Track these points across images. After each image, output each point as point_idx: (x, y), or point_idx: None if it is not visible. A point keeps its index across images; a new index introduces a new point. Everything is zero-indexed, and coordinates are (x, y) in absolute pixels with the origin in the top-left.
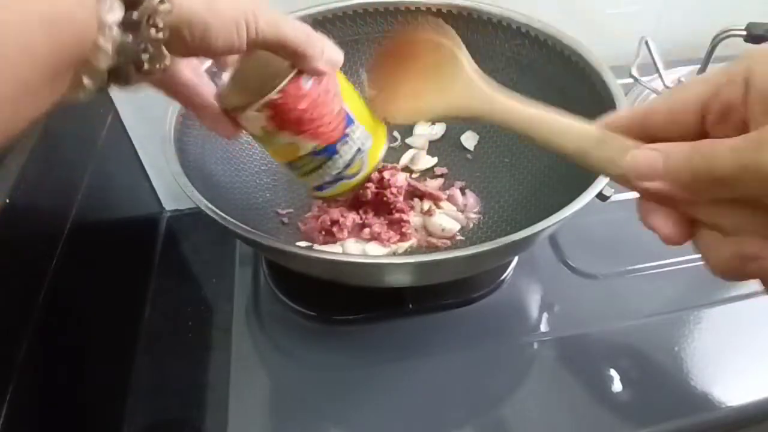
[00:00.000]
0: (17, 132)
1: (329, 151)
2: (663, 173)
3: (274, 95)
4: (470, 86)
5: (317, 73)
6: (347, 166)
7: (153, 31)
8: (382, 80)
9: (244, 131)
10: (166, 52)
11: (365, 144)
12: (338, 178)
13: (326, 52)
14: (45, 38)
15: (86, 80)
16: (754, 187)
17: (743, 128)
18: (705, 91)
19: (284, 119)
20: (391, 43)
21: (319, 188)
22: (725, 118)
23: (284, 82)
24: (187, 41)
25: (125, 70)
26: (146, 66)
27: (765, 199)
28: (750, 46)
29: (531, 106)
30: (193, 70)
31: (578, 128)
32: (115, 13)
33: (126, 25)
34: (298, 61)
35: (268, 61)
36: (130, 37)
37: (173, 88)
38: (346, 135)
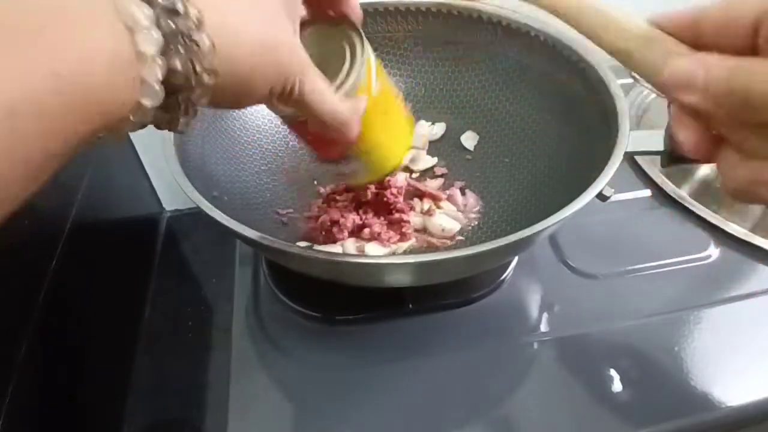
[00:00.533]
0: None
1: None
2: (701, 87)
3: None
4: None
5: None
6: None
7: (206, 77)
8: None
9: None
10: (204, 102)
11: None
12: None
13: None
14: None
15: (147, 104)
16: None
17: None
18: (762, 5)
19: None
20: None
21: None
22: None
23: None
24: (225, 96)
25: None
26: (180, 113)
27: None
28: None
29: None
30: None
31: (627, 25)
32: (154, 70)
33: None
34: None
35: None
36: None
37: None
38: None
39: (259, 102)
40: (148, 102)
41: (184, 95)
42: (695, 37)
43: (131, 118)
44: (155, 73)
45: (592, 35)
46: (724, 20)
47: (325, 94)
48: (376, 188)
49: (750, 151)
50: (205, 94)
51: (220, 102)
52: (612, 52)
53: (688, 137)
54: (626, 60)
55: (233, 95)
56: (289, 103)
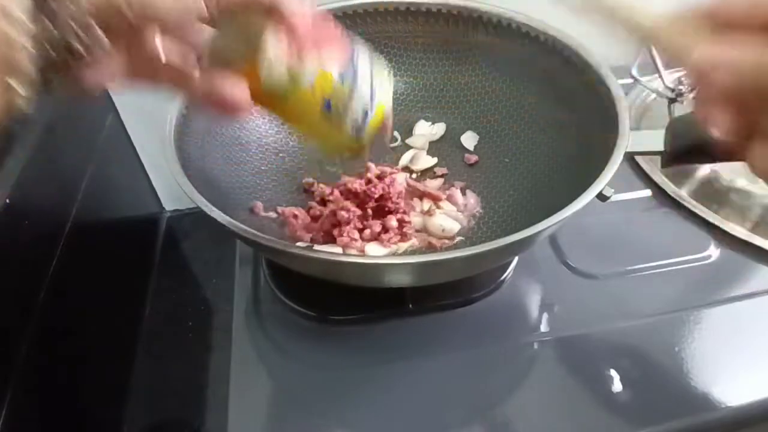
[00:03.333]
0: None
1: (352, 70)
2: (732, 66)
3: None
4: None
5: (290, 25)
6: (372, 77)
7: (72, 8)
8: None
9: (262, 106)
10: (100, 34)
11: (370, 55)
12: (371, 96)
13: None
14: None
15: (16, 85)
16: None
17: None
18: None
19: (303, 41)
20: None
21: (362, 126)
22: None
23: None
24: (126, 15)
25: (61, 64)
26: (81, 50)
27: None
28: None
29: None
30: (180, 52)
31: (652, 11)
32: (22, 2)
33: (39, 10)
34: (272, 16)
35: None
36: (49, 24)
37: (166, 74)
38: (354, 48)
39: (183, 9)
40: (13, 5)
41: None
42: (724, 20)
43: (10, 61)
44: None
45: (623, 15)
46: (753, 2)
47: None
48: (376, 189)
49: None
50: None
51: (131, 19)
52: (642, 32)
53: (717, 117)
54: (657, 40)
55: (135, 7)
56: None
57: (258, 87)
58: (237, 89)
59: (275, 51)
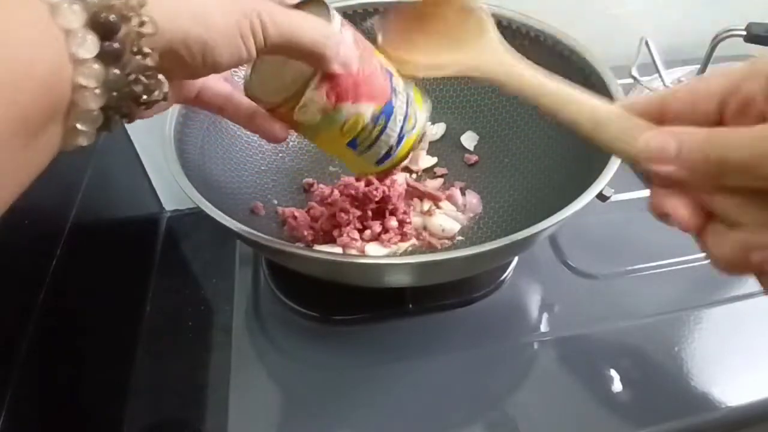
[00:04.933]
0: (8, 202)
1: (387, 110)
2: (675, 157)
3: None
4: (493, 49)
5: (332, 76)
6: (405, 119)
7: (140, 58)
8: (397, 36)
9: (293, 130)
10: (163, 78)
11: (409, 92)
12: (401, 135)
13: (341, 52)
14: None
15: (80, 126)
16: None
17: (761, 122)
18: (726, 85)
19: (342, 87)
20: (411, 5)
21: (383, 159)
22: (744, 112)
23: None
24: (188, 62)
25: (123, 105)
26: (143, 97)
27: None
28: (753, 46)
29: (550, 79)
30: (225, 79)
31: (594, 103)
32: (88, 47)
33: (107, 57)
34: (313, 64)
35: None
36: (116, 71)
37: (210, 102)
38: (394, 88)
39: (238, 56)
40: (82, 52)
41: (128, 59)
42: (662, 119)
43: (79, 81)
44: (87, 48)
45: (561, 113)
46: (691, 102)
47: (301, 17)
48: (376, 188)
49: (738, 218)
50: (151, 58)
51: (191, 65)
52: (581, 129)
53: (673, 206)
54: (597, 135)
55: (200, 52)
56: (269, 42)
57: (292, 121)
58: (278, 123)
59: (313, 96)
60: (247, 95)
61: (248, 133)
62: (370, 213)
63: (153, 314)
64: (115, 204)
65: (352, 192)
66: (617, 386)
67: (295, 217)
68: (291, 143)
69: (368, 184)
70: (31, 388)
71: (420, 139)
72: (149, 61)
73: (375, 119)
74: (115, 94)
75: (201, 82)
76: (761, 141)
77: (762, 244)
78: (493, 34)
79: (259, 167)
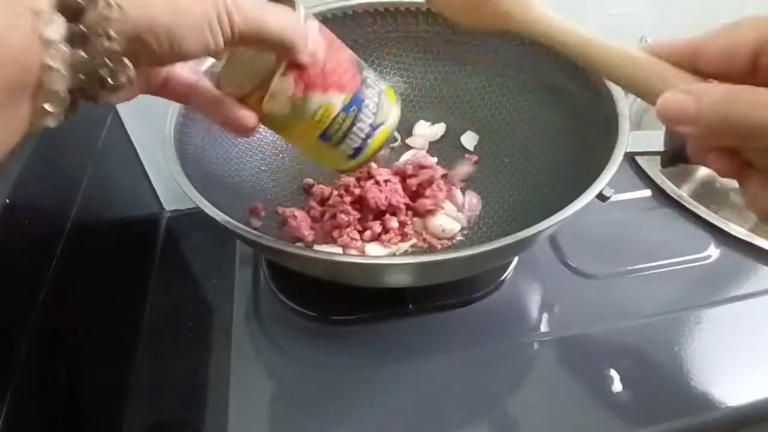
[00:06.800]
0: None
1: (358, 100)
2: (694, 119)
3: None
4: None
5: (300, 66)
6: (377, 110)
7: (105, 42)
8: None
9: (261, 124)
10: (128, 63)
11: (381, 86)
12: (373, 127)
13: (309, 42)
14: None
15: (48, 106)
16: None
17: None
18: (758, 37)
19: (310, 76)
20: None
21: (357, 152)
22: None
23: None
24: (155, 49)
25: (89, 88)
26: (109, 81)
27: None
28: None
29: (578, 27)
30: (191, 69)
31: (621, 52)
32: (56, 28)
33: (74, 39)
34: (282, 55)
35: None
36: (82, 53)
37: (176, 91)
38: (364, 79)
39: (206, 45)
40: (50, 33)
41: (94, 43)
42: (694, 67)
43: (47, 61)
44: (57, 30)
45: (592, 62)
46: (724, 50)
47: (268, 7)
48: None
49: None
50: (119, 45)
51: (157, 52)
52: (611, 76)
53: (711, 160)
54: (628, 84)
55: (167, 39)
56: (236, 32)
57: (260, 112)
58: (246, 111)
59: (280, 84)
60: (218, 89)
61: None
62: (370, 213)
63: (153, 314)
64: (115, 204)
65: (353, 197)
66: (617, 386)
67: (295, 217)
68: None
69: (368, 179)
70: (31, 388)
71: (392, 135)
72: (115, 46)
73: (346, 109)
74: (81, 76)
75: (167, 70)
76: None
77: None
78: None
79: (259, 167)
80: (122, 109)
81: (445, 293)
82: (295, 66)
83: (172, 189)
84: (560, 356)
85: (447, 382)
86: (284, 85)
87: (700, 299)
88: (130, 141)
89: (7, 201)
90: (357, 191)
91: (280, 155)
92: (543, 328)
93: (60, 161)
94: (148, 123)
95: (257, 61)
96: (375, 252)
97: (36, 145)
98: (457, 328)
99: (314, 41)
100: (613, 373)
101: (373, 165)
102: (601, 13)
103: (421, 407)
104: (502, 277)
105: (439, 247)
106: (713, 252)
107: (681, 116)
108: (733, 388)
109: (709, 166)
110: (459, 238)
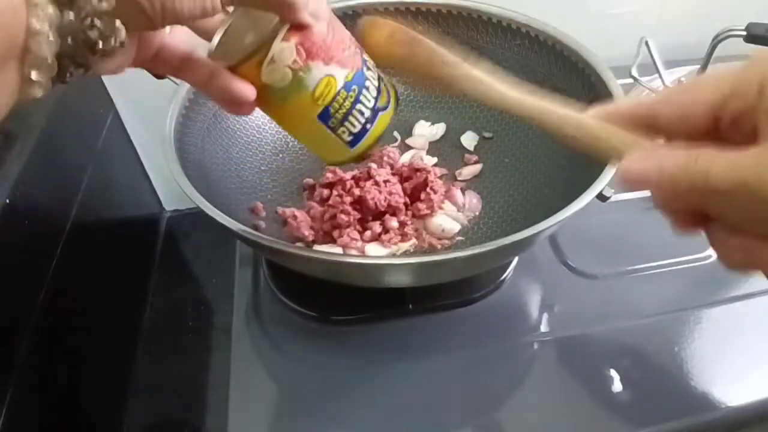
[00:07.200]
0: None
1: (359, 80)
2: (657, 184)
3: None
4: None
5: (303, 26)
6: (378, 94)
7: (95, 2)
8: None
9: (258, 106)
10: (119, 25)
11: (380, 72)
12: (374, 111)
13: (311, 2)
14: None
15: (34, 74)
16: (753, 207)
17: (754, 136)
18: (716, 98)
19: (313, 43)
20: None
21: (357, 139)
22: (737, 123)
23: None
24: (146, 11)
25: (78, 54)
26: (100, 45)
27: (759, 215)
28: (753, 46)
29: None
30: (185, 41)
31: (573, 118)
32: None
33: (63, 2)
34: (283, 13)
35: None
36: (70, 14)
37: (169, 62)
38: (365, 60)
39: (201, 6)
40: (37, 23)
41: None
42: (651, 128)
43: (33, 24)
44: None
45: (546, 123)
46: (681, 114)
47: None
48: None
49: (734, 226)
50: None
51: (150, 13)
52: (565, 137)
53: (673, 214)
54: (593, 147)
55: (155, 3)
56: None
57: (258, 83)
58: (242, 82)
59: (282, 49)
60: (212, 59)
61: (248, 133)
62: (370, 213)
63: (153, 314)
64: (115, 204)
65: (354, 198)
66: (617, 386)
67: (295, 217)
68: (291, 143)
69: (369, 178)
70: (31, 388)
71: (391, 117)
72: (105, 5)
73: (347, 87)
74: (69, 40)
75: (160, 39)
76: (741, 169)
77: (764, 254)
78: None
79: (259, 167)
80: (122, 109)
81: (445, 293)
82: (297, 30)
83: (172, 189)
84: (560, 356)
85: (447, 382)
86: (285, 48)
87: (700, 299)
88: (130, 141)
89: (7, 201)
90: (357, 192)
91: (280, 155)
92: (543, 328)
93: (60, 161)
94: (148, 123)
95: (257, 25)
96: (375, 252)
97: (36, 145)
98: (457, 328)
99: (317, 2)
100: (613, 373)
101: (373, 165)
102: (601, 13)
103: (421, 407)
104: (502, 277)
105: (439, 247)
106: (713, 252)
107: (645, 182)
108: (733, 388)
109: (670, 216)
110: (459, 238)
